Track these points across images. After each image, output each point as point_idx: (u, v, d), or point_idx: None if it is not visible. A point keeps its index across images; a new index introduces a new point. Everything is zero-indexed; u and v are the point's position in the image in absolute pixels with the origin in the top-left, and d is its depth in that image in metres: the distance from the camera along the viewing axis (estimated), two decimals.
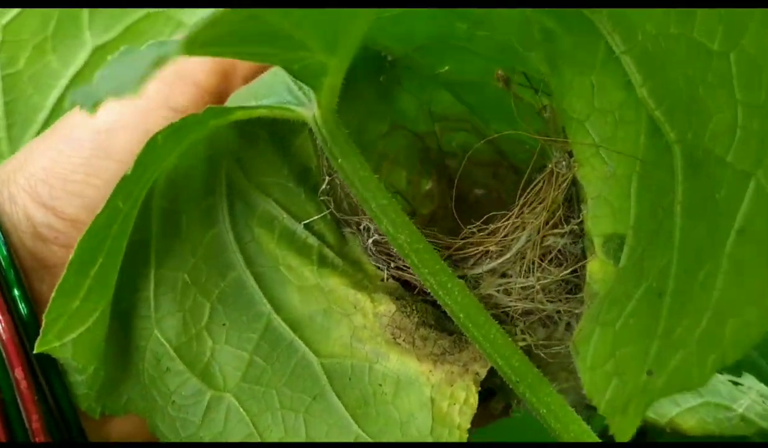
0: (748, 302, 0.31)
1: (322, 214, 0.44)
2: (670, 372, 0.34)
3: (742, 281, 0.32)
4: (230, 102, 0.42)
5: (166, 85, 0.43)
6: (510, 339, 0.39)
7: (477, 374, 0.41)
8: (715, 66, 0.33)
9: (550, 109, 0.44)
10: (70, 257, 0.35)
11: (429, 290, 0.40)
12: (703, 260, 0.34)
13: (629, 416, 0.35)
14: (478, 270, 0.42)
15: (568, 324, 0.43)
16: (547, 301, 0.42)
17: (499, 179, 0.53)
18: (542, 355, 0.43)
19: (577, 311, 0.42)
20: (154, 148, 0.36)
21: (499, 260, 0.42)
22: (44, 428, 0.40)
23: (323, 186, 0.44)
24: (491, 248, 0.42)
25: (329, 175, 0.43)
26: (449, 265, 0.42)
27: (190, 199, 0.43)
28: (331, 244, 0.44)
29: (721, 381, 0.54)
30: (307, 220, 0.44)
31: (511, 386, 0.39)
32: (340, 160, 0.39)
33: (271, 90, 0.41)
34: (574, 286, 0.42)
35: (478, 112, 0.50)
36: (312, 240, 0.43)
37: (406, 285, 0.43)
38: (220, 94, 0.44)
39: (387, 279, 0.43)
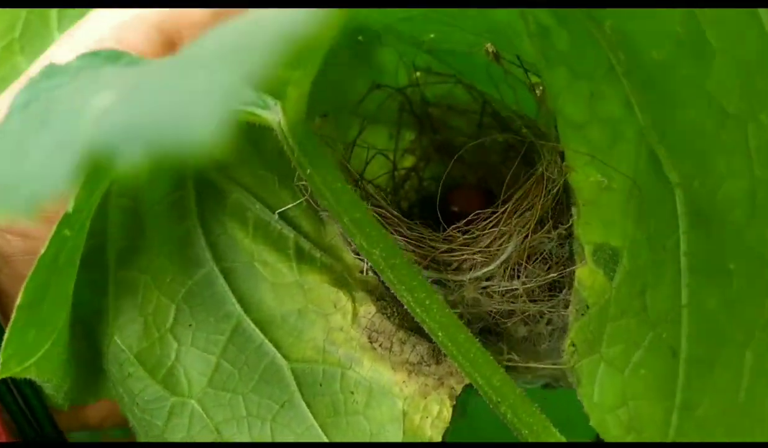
0: None
1: (297, 202, 0.41)
2: None
3: None
4: None
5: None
6: (491, 357, 0.38)
7: (452, 388, 0.40)
8: (731, 130, 0.30)
9: (541, 89, 0.41)
10: (18, 300, 0.33)
11: (406, 307, 0.37)
12: (721, 337, 0.32)
13: None
14: (462, 277, 0.40)
15: (550, 320, 0.41)
16: (530, 301, 0.40)
17: (482, 128, 0.50)
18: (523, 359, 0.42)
19: (562, 312, 0.41)
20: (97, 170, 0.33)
21: (484, 270, 0.40)
22: (8, 427, 0.39)
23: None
24: (476, 258, 0.40)
25: None
26: (431, 266, 0.40)
27: (153, 194, 0.40)
28: (307, 231, 0.41)
29: None
30: (282, 209, 0.41)
31: (491, 407, 0.38)
32: (309, 171, 0.35)
33: None
34: (557, 284, 0.41)
35: (464, 75, 0.46)
36: (287, 231, 0.41)
37: None
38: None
39: (366, 272, 0.41)
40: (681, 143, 0.33)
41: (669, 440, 0.34)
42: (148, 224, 0.40)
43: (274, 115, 0.35)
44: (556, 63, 0.37)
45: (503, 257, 0.39)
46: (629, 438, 0.36)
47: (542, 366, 0.41)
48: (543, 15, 0.36)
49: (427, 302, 0.37)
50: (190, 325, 0.40)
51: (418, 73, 0.48)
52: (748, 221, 0.31)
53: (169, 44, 0.40)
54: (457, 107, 0.48)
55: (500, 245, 0.39)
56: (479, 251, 0.39)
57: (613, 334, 0.37)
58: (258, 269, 0.41)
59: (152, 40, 0.39)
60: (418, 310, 0.37)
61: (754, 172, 0.30)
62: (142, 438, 0.41)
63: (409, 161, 0.51)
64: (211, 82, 0.16)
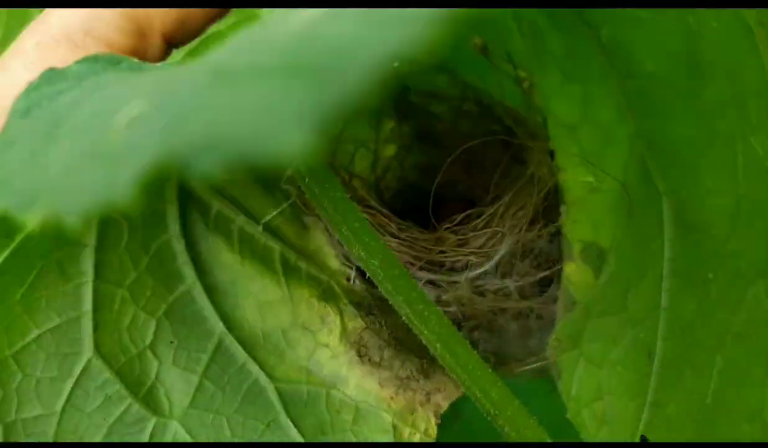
0: (743, 418, 0.32)
1: (281, 208, 0.40)
2: None
3: (736, 391, 0.32)
4: None
5: (76, 47, 0.37)
6: (489, 369, 0.37)
7: (439, 405, 0.39)
8: (720, 148, 0.31)
9: (528, 83, 0.40)
10: None
11: (404, 318, 0.36)
12: (694, 341, 0.33)
13: None
14: (456, 277, 0.40)
15: (540, 315, 0.41)
16: (522, 298, 0.40)
17: (462, 115, 0.49)
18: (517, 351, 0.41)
19: (550, 308, 0.40)
20: None
21: (479, 270, 0.40)
22: None
23: (288, 172, 0.39)
24: (471, 258, 0.39)
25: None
26: (425, 267, 0.40)
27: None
28: (291, 239, 0.40)
29: None
30: (267, 217, 0.39)
31: (489, 419, 0.37)
32: (307, 180, 0.35)
33: None
34: (547, 279, 0.41)
35: (449, 63, 0.45)
36: (272, 242, 0.39)
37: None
38: (136, 52, 0.39)
39: (353, 280, 0.40)
40: (670, 155, 0.33)
41: (639, 433, 0.35)
42: (125, 235, 0.38)
43: None
44: (549, 65, 0.36)
45: (497, 257, 0.39)
46: (602, 431, 0.36)
47: (527, 367, 0.40)
48: (536, 16, 0.35)
49: (426, 314, 0.36)
50: (171, 342, 0.38)
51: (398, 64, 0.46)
52: (728, 236, 0.31)
53: (140, 35, 0.39)
54: (438, 93, 0.47)
55: (493, 245, 0.39)
56: (473, 252, 0.39)
57: (594, 331, 0.37)
58: (243, 286, 0.39)
59: (123, 30, 0.38)
60: (416, 321, 0.36)
61: (738, 190, 0.31)
62: None
63: (390, 150, 0.50)
64: (291, 96, 0.15)
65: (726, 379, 0.32)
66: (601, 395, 0.36)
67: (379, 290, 0.40)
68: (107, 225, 0.37)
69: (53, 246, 0.36)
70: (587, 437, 0.37)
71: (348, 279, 0.40)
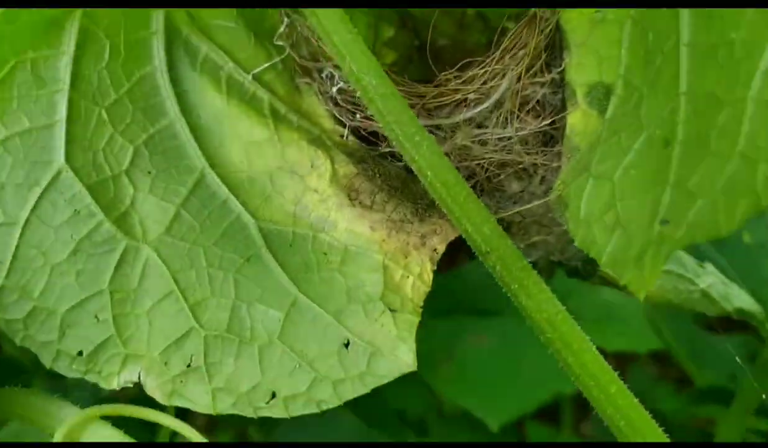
0: None
1: (273, 62, 0.38)
2: (692, 221, 0.33)
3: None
4: None
5: None
6: (481, 204, 0.34)
7: (435, 250, 0.36)
8: None
9: None
10: None
11: (395, 144, 0.34)
12: (719, 105, 0.32)
13: (646, 269, 0.34)
14: (454, 119, 0.37)
15: (543, 178, 0.39)
16: (525, 152, 0.38)
17: (465, 28, 0.48)
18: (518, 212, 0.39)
19: (554, 165, 0.38)
20: None
21: (477, 109, 0.37)
22: None
23: (281, 29, 0.38)
24: (469, 96, 0.37)
25: (288, 17, 0.38)
26: (422, 113, 0.38)
27: (117, 25, 0.36)
28: (282, 96, 0.38)
29: (686, 257, 0.51)
30: (257, 69, 0.38)
31: (480, 258, 0.34)
32: None
33: None
34: (551, 138, 0.38)
35: None
36: (261, 93, 0.38)
37: (372, 142, 0.38)
38: None
39: (347, 136, 0.38)
40: None
41: (657, 220, 0.34)
42: (107, 55, 0.36)
43: None
44: None
45: (497, 95, 0.36)
46: (614, 236, 0.35)
47: (528, 206, 0.38)
48: None
49: (417, 139, 0.33)
50: (149, 172, 0.36)
51: None
52: None
53: None
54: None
55: (494, 83, 0.37)
56: (473, 90, 0.37)
57: (603, 153, 0.35)
58: (229, 126, 0.37)
59: None
60: (407, 145, 0.34)
61: None
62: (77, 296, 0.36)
63: (389, 57, 0.48)
64: None
65: (759, 119, 0.31)
66: (613, 204, 0.34)
67: (373, 148, 0.39)
68: (87, 38, 0.36)
69: (28, 44, 0.35)
70: (597, 252, 0.34)
71: (341, 136, 0.38)
